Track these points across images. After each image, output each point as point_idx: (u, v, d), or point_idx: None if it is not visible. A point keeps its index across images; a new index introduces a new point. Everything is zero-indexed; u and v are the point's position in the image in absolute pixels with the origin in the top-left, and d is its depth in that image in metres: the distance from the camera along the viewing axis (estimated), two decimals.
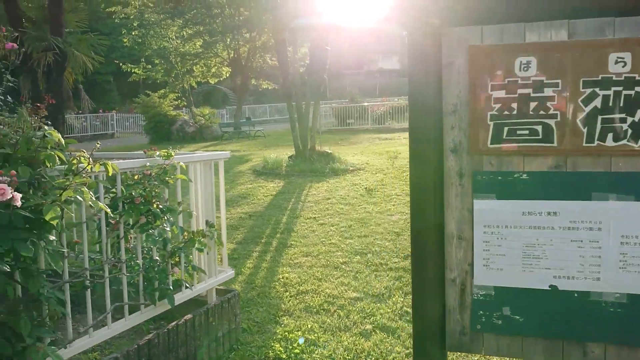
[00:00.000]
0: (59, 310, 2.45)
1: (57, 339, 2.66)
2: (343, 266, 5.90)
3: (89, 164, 2.24)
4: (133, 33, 25.53)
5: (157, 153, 3.34)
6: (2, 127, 2.28)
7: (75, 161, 2.28)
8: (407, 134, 2.47)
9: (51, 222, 2.12)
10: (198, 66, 26.76)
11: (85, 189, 2.19)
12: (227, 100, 34.26)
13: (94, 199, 2.29)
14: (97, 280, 2.84)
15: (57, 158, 2.26)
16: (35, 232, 2.25)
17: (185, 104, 27.41)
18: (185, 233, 3.59)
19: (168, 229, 3.48)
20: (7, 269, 2.03)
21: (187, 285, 3.68)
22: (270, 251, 6.61)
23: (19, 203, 2.01)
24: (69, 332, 2.74)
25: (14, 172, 2.07)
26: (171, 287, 3.48)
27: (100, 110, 29.62)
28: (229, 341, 4.11)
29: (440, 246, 2.27)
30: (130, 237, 3.41)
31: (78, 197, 2.20)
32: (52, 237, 2.35)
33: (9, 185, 1.97)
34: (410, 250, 2.37)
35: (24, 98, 8.86)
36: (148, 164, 3.20)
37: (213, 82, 28.93)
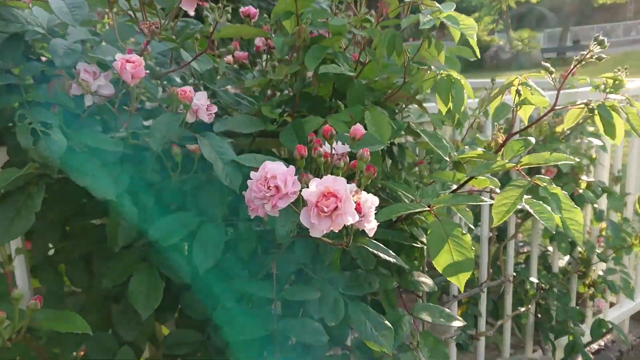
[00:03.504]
0: None
1: None
2: None
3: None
4: None
5: (588, 80, 1.67)
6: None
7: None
8: None
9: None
10: None
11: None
12: (542, 22, 29.91)
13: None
14: (477, 336, 1.44)
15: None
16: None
17: (502, 26, 24.60)
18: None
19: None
20: None
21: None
22: None
23: (370, 227, 0.65)
24: None
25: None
26: (582, 329, 1.89)
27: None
28: None
29: None
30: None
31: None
32: (425, 281, 0.98)
33: None
34: None
35: None
36: (579, 101, 1.54)
37: (535, 1, 25.14)
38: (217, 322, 0.82)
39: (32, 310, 0.59)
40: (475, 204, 0.81)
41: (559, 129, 1.57)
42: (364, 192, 0.67)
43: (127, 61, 0.65)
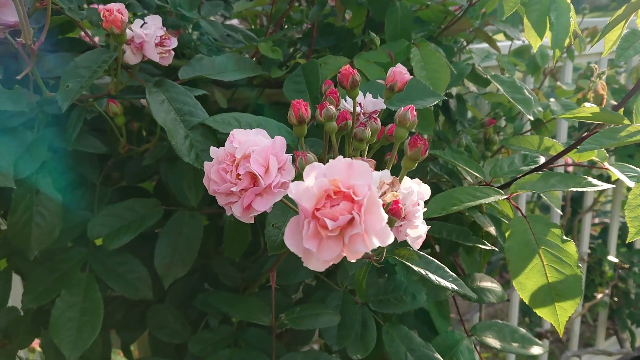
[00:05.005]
0: None
1: None
2: None
3: None
4: None
5: None
6: None
7: None
8: None
9: None
10: None
11: None
12: None
13: None
14: (546, 334, 1.17)
15: None
16: None
17: None
18: None
19: None
20: None
21: None
22: None
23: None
24: None
25: None
26: None
27: None
28: None
29: None
30: None
31: None
32: (493, 288, 0.71)
33: None
34: None
35: None
36: None
37: None
38: (193, 350, 0.58)
39: None
40: (579, 189, 0.52)
41: None
42: (407, 181, 0.40)
43: None
